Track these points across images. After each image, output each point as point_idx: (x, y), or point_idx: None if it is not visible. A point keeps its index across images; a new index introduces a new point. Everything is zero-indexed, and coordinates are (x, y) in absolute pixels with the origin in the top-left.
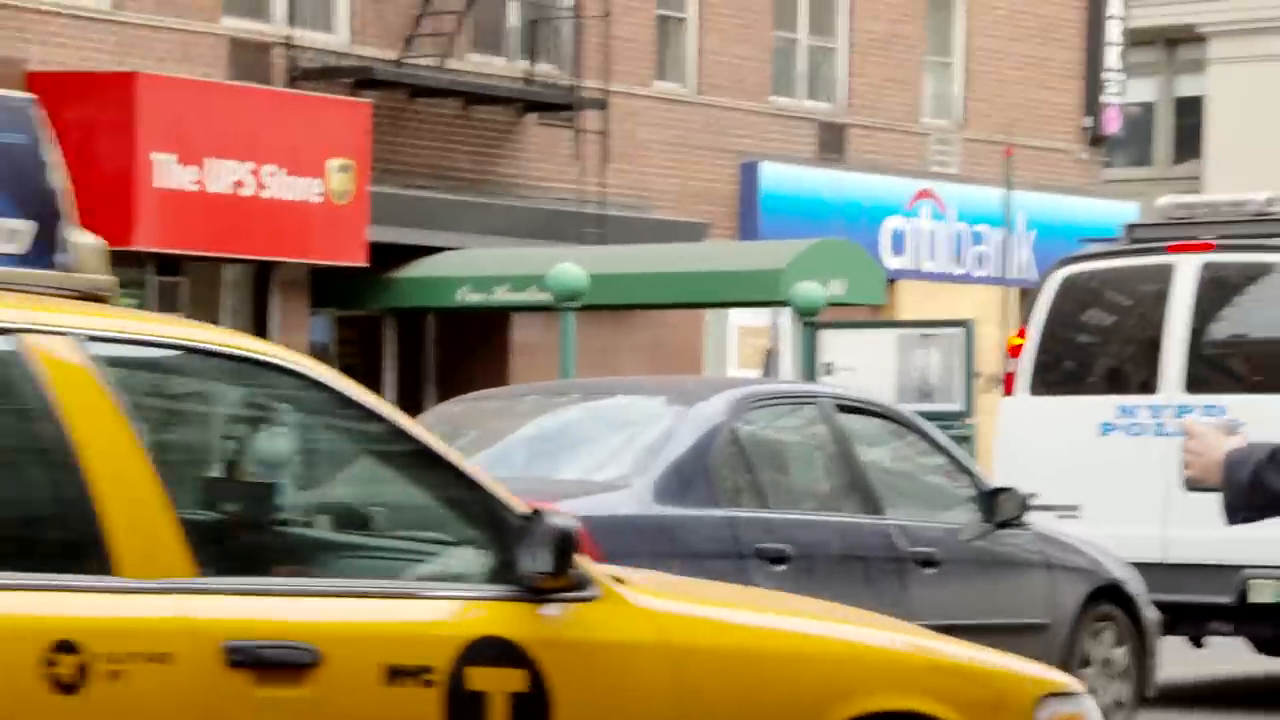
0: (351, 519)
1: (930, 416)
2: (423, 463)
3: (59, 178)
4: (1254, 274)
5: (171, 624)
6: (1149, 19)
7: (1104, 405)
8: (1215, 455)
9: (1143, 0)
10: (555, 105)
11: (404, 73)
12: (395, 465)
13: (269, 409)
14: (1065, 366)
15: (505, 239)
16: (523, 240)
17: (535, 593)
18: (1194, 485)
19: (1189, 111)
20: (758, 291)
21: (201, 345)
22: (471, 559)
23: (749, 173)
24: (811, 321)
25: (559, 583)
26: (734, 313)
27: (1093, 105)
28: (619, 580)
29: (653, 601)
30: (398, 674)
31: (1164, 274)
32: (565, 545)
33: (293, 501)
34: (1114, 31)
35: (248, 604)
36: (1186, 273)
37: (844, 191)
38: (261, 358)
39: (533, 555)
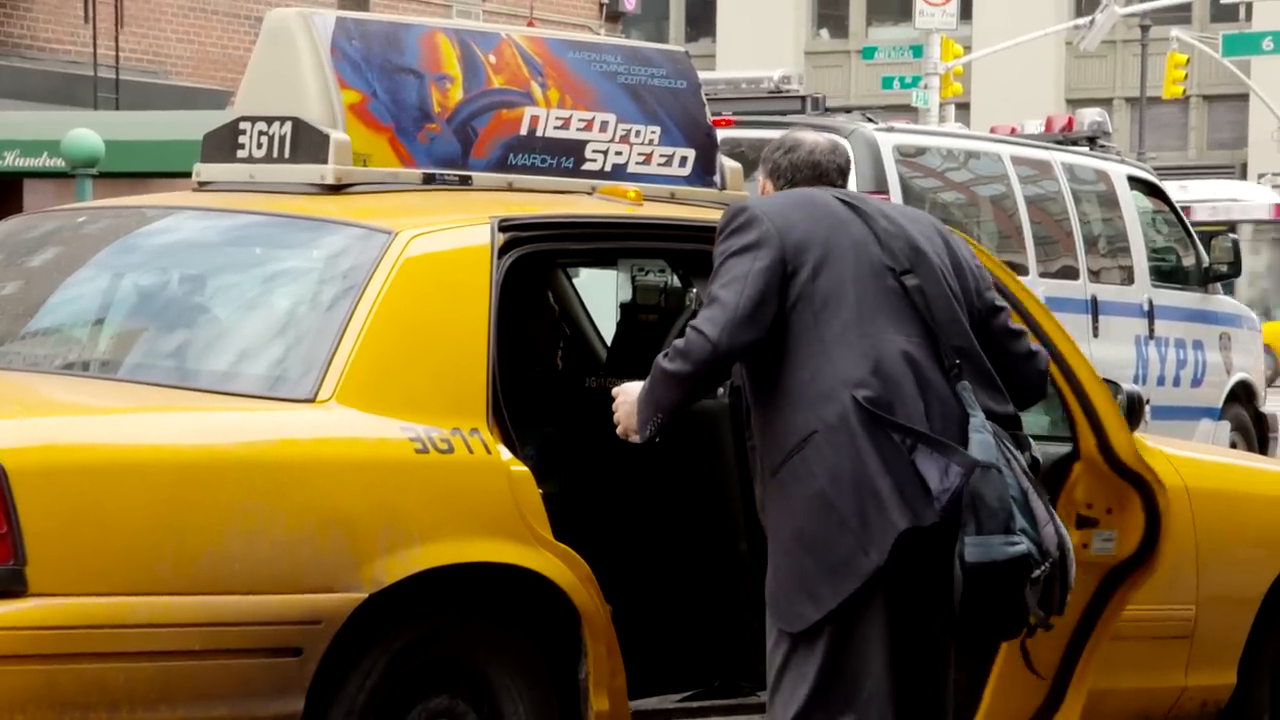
0: None
1: None
2: None
3: (706, 115)
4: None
5: None
6: None
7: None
8: (633, 396)
9: None
10: None
11: None
12: None
13: None
14: None
15: (14, 103)
16: (33, 105)
17: None
18: (628, 436)
19: None
20: None
21: None
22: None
23: None
24: None
25: None
26: None
27: None
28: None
29: (1169, 449)
30: None
31: None
32: (1136, 407)
33: None
34: None
35: None
36: None
37: None
38: None
39: None
